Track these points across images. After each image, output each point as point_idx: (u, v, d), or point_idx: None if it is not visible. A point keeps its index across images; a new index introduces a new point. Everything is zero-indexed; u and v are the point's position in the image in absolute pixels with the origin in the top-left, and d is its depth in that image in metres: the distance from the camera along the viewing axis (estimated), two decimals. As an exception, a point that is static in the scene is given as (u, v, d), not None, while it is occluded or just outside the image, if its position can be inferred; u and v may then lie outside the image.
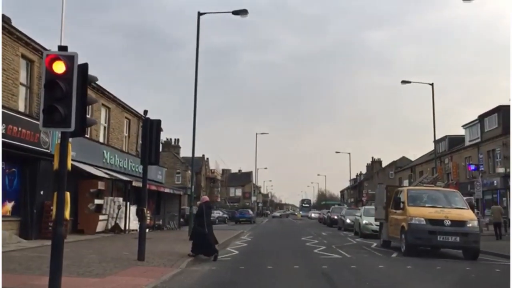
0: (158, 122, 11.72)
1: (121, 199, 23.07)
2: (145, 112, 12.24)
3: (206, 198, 14.30)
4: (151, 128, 11.49)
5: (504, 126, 35.58)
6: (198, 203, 15.51)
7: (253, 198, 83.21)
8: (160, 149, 15.27)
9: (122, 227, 22.31)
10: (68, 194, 6.39)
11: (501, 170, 35.02)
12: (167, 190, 30.00)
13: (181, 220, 33.01)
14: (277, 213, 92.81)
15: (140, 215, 12.24)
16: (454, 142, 46.88)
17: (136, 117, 28.00)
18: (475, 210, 24.43)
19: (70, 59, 6.35)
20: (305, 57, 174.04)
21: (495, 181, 35.94)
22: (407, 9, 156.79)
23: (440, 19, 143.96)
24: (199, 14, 22.76)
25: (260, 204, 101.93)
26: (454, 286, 9.15)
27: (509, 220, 30.96)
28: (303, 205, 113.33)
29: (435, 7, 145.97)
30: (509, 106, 37.90)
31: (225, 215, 50.68)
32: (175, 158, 58.28)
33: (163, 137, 56.25)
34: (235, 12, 22.64)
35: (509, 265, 12.75)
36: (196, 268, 11.05)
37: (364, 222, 24.48)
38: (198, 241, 12.65)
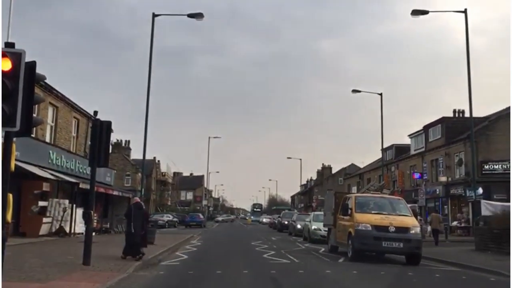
0: (109, 123, 11.48)
1: (67, 201, 22.37)
2: (95, 112, 11.95)
3: (136, 199, 14.84)
4: (101, 129, 11.23)
5: (447, 136, 37.25)
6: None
7: (204, 202, 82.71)
8: (110, 151, 14.94)
9: (68, 230, 21.62)
10: (10, 196, 6.16)
11: (443, 179, 36.61)
12: (115, 193, 29.33)
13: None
14: (220, 218, 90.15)
15: (86, 218, 11.94)
16: (401, 151, 48.59)
17: (86, 117, 27.25)
18: (418, 217, 25.42)
19: (17, 56, 6.15)
20: (259, 62, 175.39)
21: (437, 190, 37.50)
22: (356, 20, 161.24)
23: (387, 31, 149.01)
24: (154, 15, 22.52)
25: (211, 208, 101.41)
26: (396, 290, 9.48)
27: (450, 227, 32.39)
28: (255, 209, 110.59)
29: (383, 20, 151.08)
30: (451, 117, 39.71)
31: (175, 219, 50.09)
32: (125, 160, 57.07)
33: (114, 138, 54.95)
34: (191, 15, 22.55)
35: (448, 270, 13.36)
36: (144, 273, 10.89)
37: (313, 227, 24.88)
38: (127, 242, 12.90)
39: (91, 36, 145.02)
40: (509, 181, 30.24)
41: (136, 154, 60.42)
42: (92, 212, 11.59)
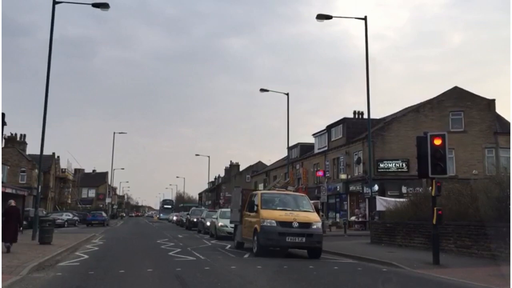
0: (2, 115, 10.65)
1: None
2: (-14, 103, 11.03)
3: None
4: (-8, 121, 10.39)
5: (347, 136, 39.35)
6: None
7: (108, 200, 79.63)
8: (2, 145, 13.99)
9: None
10: None
11: (343, 176, 38.63)
12: (8, 190, 27.27)
13: (25, 223, 30.19)
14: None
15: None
16: (305, 149, 50.51)
17: (-25, 107, 24.99)
18: (320, 213, 26.59)
19: None
20: (165, 57, 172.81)
21: (338, 186, 39.49)
22: (264, 20, 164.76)
23: (293, 33, 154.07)
24: (55, 2, 21.25)
25: (115, 206, 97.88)
26: (297, 282, 9.84)
27: (348, 222, 34.25)
28: (164, 206, 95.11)
29: (290, 22, 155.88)
30: (351, 118, 42.01)
31: (76, 218, 47.72)
32: (20, 155, 53.12)
33: (7, 131, 50.98)
34: (95, 5, 21.61)
35: (346, 262, 14.14)
36: (39, 274, 10.26)
37: (219, 224, 25.01)
38: None
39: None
40: (401, 179, 32.77)
41: (32, 149, 56.61)
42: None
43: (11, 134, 53.54)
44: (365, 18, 23.64)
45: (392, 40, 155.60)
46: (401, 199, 23.11)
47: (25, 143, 56.46)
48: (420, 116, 35.31)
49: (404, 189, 31.68)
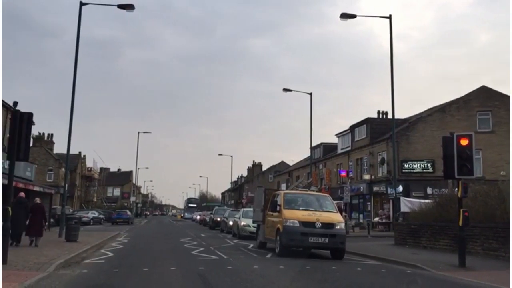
0: (30, 115, 10.89)
1: (-19, 197, 20.92)
2: (15, 103, 11.32)
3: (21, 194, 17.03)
4: (21, 121, 10.64)
5: (371, 136, 38.96)
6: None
7: (132, 199, 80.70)
8: (31, 144, 14.47)
9: (-18, 228, 20.25)
10: None
11: (367, 177, 38.25)
12: (36, 188, 27.84)
13: (52, 220, 30.86)
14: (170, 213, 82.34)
15: (3, 214, 11.26)
16: (328, 149, 50.21)
17: (4, 108, 25.65)
18: (343, 213, 26.42)
19: None
20: (188, 58, 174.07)
21: (361, 187, 39.11)
22: (287, 21, 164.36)
23: (316, 33, 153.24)
24: (81, 4, 21.64)
25: (139, 205, 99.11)
26: (320, 283, 9.79)
27: (372, 223, 33.90)
28: (189, 205, 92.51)
29: (313, 22, 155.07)
30: (375, 118, 41.61)
31: (101, 216, 48.51)
32: (48, 154, 54.30)
33: (35, 131, 52.18)
34: (121, 6, 21.90)
35: (369, 263, 14.00)
36: (65, 271, 10.46)
37: (242, 223, 25.07)
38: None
39: (10, 22, 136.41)
40: (426, 179, 32.26)
41: (59, 148, 57.92)
42: (9, 208, 10.96)
43: (39, 133, 54.76)
44: (389, 17, 23.37)
45: (417, 40, 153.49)
46: (426, 200, 22.79)
47: (52, 143, 57.65)
48: (446, 116, 34.71)
49: (429, 190, 31.22)
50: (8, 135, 16.10)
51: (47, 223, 19.94)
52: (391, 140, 27.77)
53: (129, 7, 21.82)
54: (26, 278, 8.61)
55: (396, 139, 26.21)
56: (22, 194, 17.06)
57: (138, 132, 60.73)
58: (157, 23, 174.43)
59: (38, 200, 17.60)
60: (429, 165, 33.44)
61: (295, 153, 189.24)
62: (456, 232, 13.38)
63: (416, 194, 31.17)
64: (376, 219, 35.62)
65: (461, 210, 12.40)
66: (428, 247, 18.10)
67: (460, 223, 12.42)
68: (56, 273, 9.97)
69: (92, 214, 46.64)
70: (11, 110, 17.32)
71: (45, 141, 55.98)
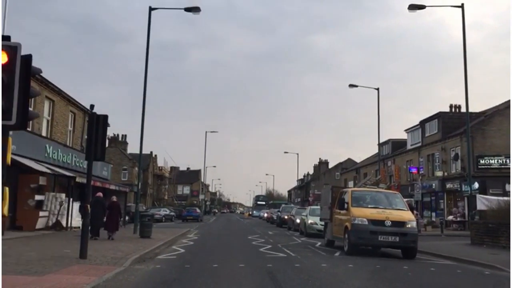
0: (105, 117, 11.46)
1: (63, 195, 22.36)
2: (92, 106, 11.93)
3: (99, 194, 18.67)
4: (97, 123, 11.22)
5: (443, 131, 37.36)
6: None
7: (201, 197, 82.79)
8: (107, 145, 15.27)
9: (64, 224, 21.63)
10: (7, 189, 6.16)
11: (439, 173, 36.74)
12: (112, 187, 29.32)
13: (127, 217, 32.35)
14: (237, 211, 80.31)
15: (83, 212, 11.97)
16: (397, 145, 48.71)
17: (82, 111, 27.20)
18: (414, 212, 25.53)
19: (13, 50, 6.11)
20: (253, 56, 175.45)
21: (433, 184, 37.62)
22: (352, 15, 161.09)
23: (383, 26, 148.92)
24: (151, 9, 22.48)
25: (208, 203, 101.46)
26: (391, 283, 9.53)
27: (445, 221, 32.52)
28: (258, 202, 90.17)
29: (379, 15, 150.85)
30: (447, 112, 39.84)
31: (172, 213, 50.15)
32: (122, 154, 57.03)
33: (110, 132, 54.94)
34: (188, 9, 22.53)
35: (444, 263, 13.44)
36: (140, 266, 10.92)
37: (309, 221, 24.95)
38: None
39: (86, 29, 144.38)
40: (505, 176, 30.44)
41: (132, 148, 60.59)
42: (88, 206, 11.62)
43: (114, 134, 57.65)
44: (462, 6, 22.24)
45: (492, 28, 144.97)
46: (505, 198, 21.54)
47: (126, 143, 60.45)
48: (526, 108, 32.55)
49: (508, 187, 29.41)
50: (85, 136, 17.06)
51: (122, 219, 21.66)
52: (465, 134, 26.48)
53: (195, 9, 22.39)
54: (104, 272, 9.08)
55: (470, 134, 24.91)
56: (100, 194, 18.62)
57: (206, 132, 62.27)
58: (222, 23, 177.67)
59: (114, 198, 19.19)
60: (507, 160, 31.53)
61: (362, 150, 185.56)
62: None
63: (493, 191, 29.53)
64: (450, 217, 34.13)
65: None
66: (507, 247, 17.05)
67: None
68: (131, 268, 10.44)
69: (164, 211, 48.33)
70: (88, 113, 18.32)
71: (120, 142, 58.81)
